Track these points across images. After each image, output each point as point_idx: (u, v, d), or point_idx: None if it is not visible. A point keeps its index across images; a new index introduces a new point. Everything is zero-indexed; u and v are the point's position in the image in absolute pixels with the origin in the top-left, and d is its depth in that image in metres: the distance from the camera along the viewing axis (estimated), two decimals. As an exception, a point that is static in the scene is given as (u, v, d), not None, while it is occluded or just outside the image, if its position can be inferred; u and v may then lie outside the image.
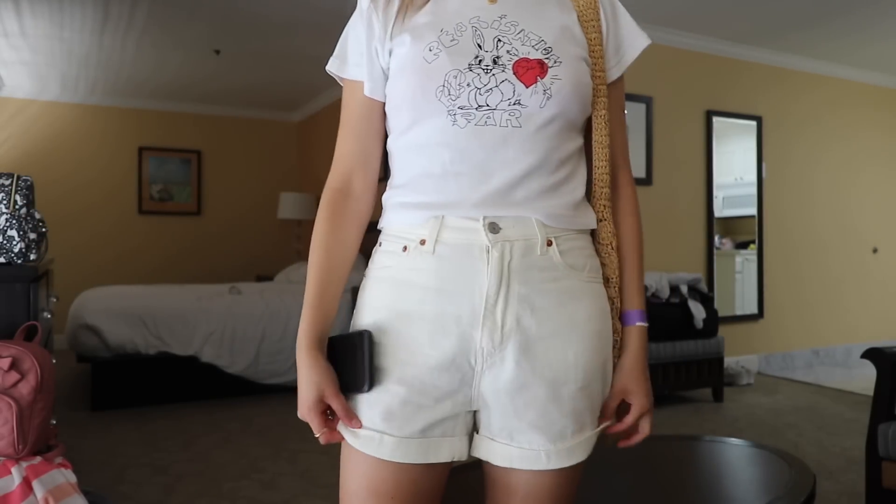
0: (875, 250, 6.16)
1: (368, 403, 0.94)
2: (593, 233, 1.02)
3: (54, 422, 2.00)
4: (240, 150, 7.51)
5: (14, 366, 1.76)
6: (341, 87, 1.05)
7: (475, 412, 0.97)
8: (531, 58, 0.93)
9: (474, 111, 0.92)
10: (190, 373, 4.46)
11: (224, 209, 7.41)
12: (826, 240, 5.87)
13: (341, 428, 0.95)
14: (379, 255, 1.00)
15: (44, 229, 2.18)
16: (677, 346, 4.27)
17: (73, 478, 1.81)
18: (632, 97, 4.85)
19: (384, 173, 1.04)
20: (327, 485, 2.93)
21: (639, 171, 4.93)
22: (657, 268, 4.79)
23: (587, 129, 1.02)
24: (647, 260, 5.04)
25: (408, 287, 0.94)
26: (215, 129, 7.38)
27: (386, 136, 1.03)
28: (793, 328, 5.67)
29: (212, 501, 2.77)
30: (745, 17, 4.73)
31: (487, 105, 0.92)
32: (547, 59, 0.94)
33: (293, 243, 7.53)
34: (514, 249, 0.91)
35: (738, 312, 5.44)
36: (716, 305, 4.78)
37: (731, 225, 5.58)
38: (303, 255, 7.35)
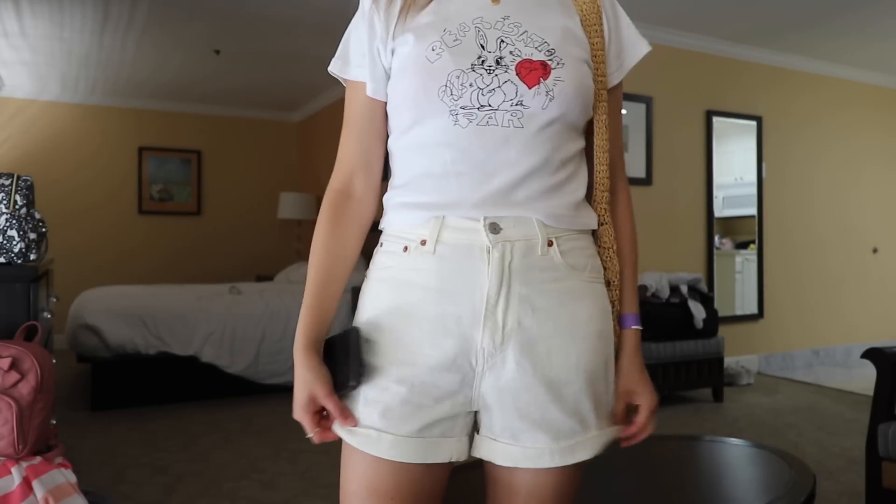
0: (875, 250, 6.16)
1: (367, 402, 0.94)
2: (594, 235, 1.02)
3: (54, 422, 2.00)
4: (240, 150, 7.51)
5: (14, 366, 1.76)
6: (341, 87, 1.05)
7: (475, 413, 0.97)
8: (534, 59, 0.93)
9: (476, 111, 0.92)
10: (190, 373, 4.46)
11: (224, 209, 7.41)
12: (826, 240, 5.87)
13: (337, 428, 0.95)
14: (380, 256, 1.00)
15: (44, 229, 2.18)
16: (677, 346, 4.27)
17: (73, 478, 1.81)
18: (632, 97, 4.85)
19: (386, 173, 1.04)
20: (327, 485, 2.93)
21: (639, 171, 4.93)
22: (657, 268, 4.79)
23: (587, 132, 1.03)
24: (647, 260, 5.06)
25: (408, 287, 0.94)
26: (215, 129, 7.38)
27: (388, 137, 1.03)
28: (793, 328, 5.67)
29: (212, 501, 2.77)
30: (745, 17, 4.72)
31: (490, 105, 0.92)
32: (550, 60, 0.94)
33: (293, 243, 7.53)
34: (515, 250, 0.91)
35: (738, 312, 5.44)
36: (716, 305, 4.79)
37: (731, 225, 5.58)
38: (303, 255, 7.35)
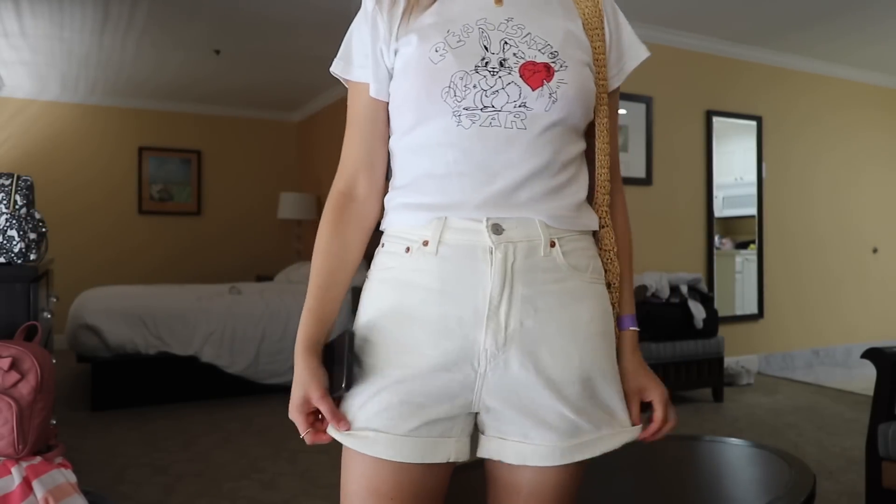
0: (875, 250, 6.16)
1: (367, 403, 0.94)
2: (595, 237, 1.02)
3: (54, 422, 2.00)
4: (240, 150, 7.51)
5: (14, 366, 1.76)
6: (341, 87, 1.05)
7: (476, 414, 0.97)
8: (538, 61, 0.93)
9: (479, 112, 0.92)
10: (190, 373, 4.46)
11: (224, 209, 7.41)
12: (826, 240, 5.87)
13: (332, 431, 0.95)
14: (381, 256, 1.00)
15: (44, 229, 2.18)
16: (677, 346, 4.27)
17: (73, 478, 1.81)
18: (632, 97, 4.86)
19: (388, 174, 1.03)
20: (327, 485, 2.93)
21: (639, 171, 4.93)
22: (657, 268, 4.79)
23: (588, 135, 1.03)
24: (647, 260, 5.05)
25: (410, 288, 0.94)
26: (215, 129, 7.38)
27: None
28: (793, 328, 5.67)
29: (212, 501, 2.77)
30: (745, 17, 4.73)
31: (493, 107, 0.92)
32: (553, 62, 0.94)
33: (293, 243, 7.53)
34: (518, 251, 0.91)
35: (738, 312, 5.44)
36: (716, 305, 4.79)
37: (731, 225, 5.58)
38: (303, 255, 7.35)
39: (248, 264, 7.37)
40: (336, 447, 0.96)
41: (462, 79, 0.92)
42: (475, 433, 1.00)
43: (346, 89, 1.04)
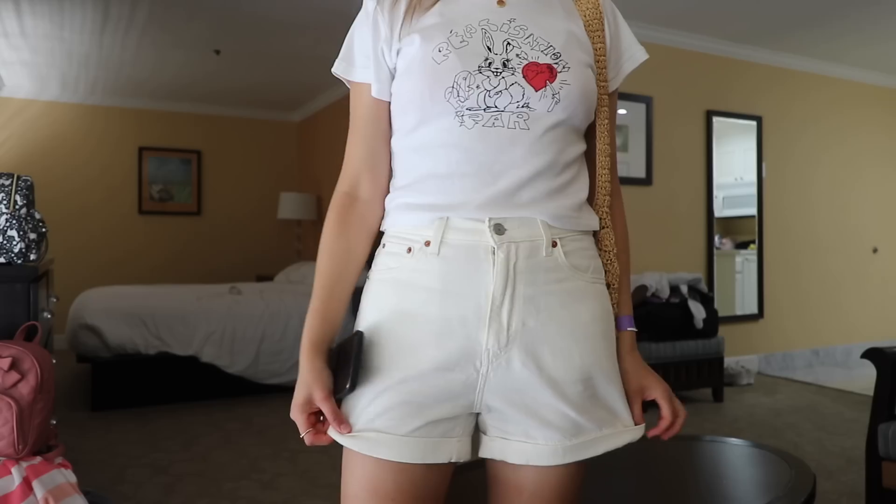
0: (875, 250, 6.16)
1: (369, 404, 0.93)
2: (595, 238, 1.03)
3: (54, 422, 2.00)
4: (240, 150, 7.51)
5: (14, 366, 1.76)
6: (341, 87, 1.06)
7: (478, 414, 0.97)
8: (541, 62, 0.94)
9: (482, 112, 0.92)
10: (190, 373, 4.46)
11: (224, 209, 7.41)
12: (826, 240, 5.87)
13: (333, 433, 0.95)
14: (382, 257, 0.99)
15: (44, 229, 2.18)
16: (677, 346, 4.27)
17: (73, 478, 1.81)
18: (632, 97, 4.86)
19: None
20: (327, 485, 2.93)
21: (639, 171, 4.93)
22: (657, 268, 4.79)
23: (587, 136, 1.03)
24: (647, 260, 5.04)
25: (411, 289, 0.94)
26: (215, 129, 7.38)
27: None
28: (793, 328, 5.67)
29: (212, 501, 2.77)
30: (745, 17, 4.73)
31: (496, 107, 0.92)
32: (556, 63, 0.94)
33: (293, 243, 7.53)
34: (520, 251, 0.92)
35: (738, 312, 5.44)
36: (716, 305, 4.79)
37: (731, 225, 5.58)
38: (303, 255, 7.35)
39: (248, 264, 7.37)
40: (336, 447, 0.96)
41: (465, 79, 0.92)
42: (476, 434, 1.00)
43: (346, 89, 1.04)
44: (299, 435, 0.95)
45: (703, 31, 5.00)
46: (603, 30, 1.03)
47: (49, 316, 2.39)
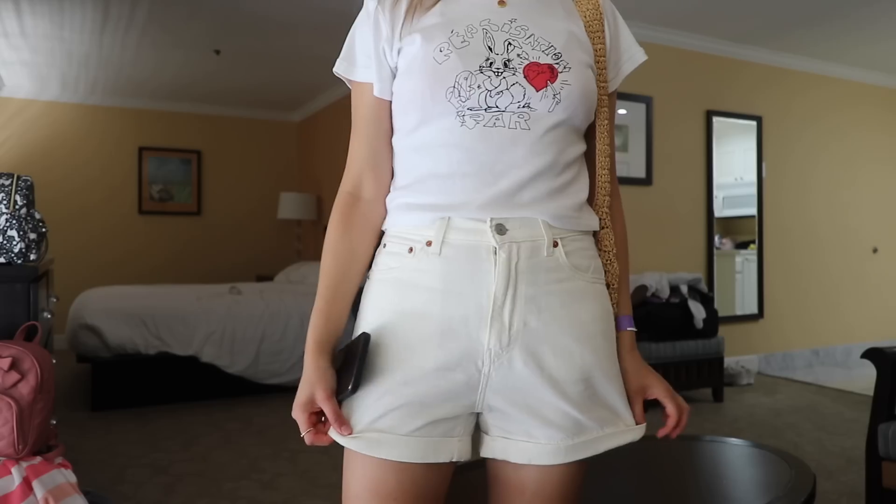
0: (875, 250, 6.16)
1: (369, 403, 0.93)
2: (594, 238, 1.03)
3: (54, 422, 2.00)
4: (240, 150, 7.51)
5: (14, 366, 1.76)
6: (341, 87, 1.06)
7: (479, 414, 0.97)
8: (542, 62, 0.94)
9: (483, 112, 0.92)
10: (190, 373, 4.46)
11: (224, 209, 7.41)
12: (826, 240, 5.87)
13: (333, 433, 0.94)
14: (383, 257, 1.00)
15: (44, 229, 2.18)
16: (677, 346, 4.27)
17: (73, 478, 1.81)
18: (632, 97, 4.86)
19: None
20: (327, 485, 2.93)
21: (639, 171, 4.93)
22: (657, 268, 4.80)
23: (587, 136, 1.03)
24: (647, 260, 5.04)
25: (413, 289, 0.94)
26: (215, 129, 7.38)
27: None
28: (792, 328, 5.67)
29: (212, 501, 2.77)
30: (744, 17, 4.73)
31: (497, 107, 0.92)
32: (557, 64, 0.95)
33: (293, 243, 7.53)
34: (521, 251, 0.92)
35: (738, 312, 5.44)
36: (716, 305, 4.79)
37: (731, 225, 5.58)
38: (303, 255, 7.35)
39: (248, 264, 7.37)
40: (337, 447, 0.96)
41: (467, 79, 0.92)
42: (476, 433, 1.00)
43: (346, 89, 1.04)
44: (300, 435, 0.95)
45: (703, 31, 5.00)
46: (603, 30, 1.03)
47: (49, 316, 2.39)
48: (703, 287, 4.53)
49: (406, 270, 0.95)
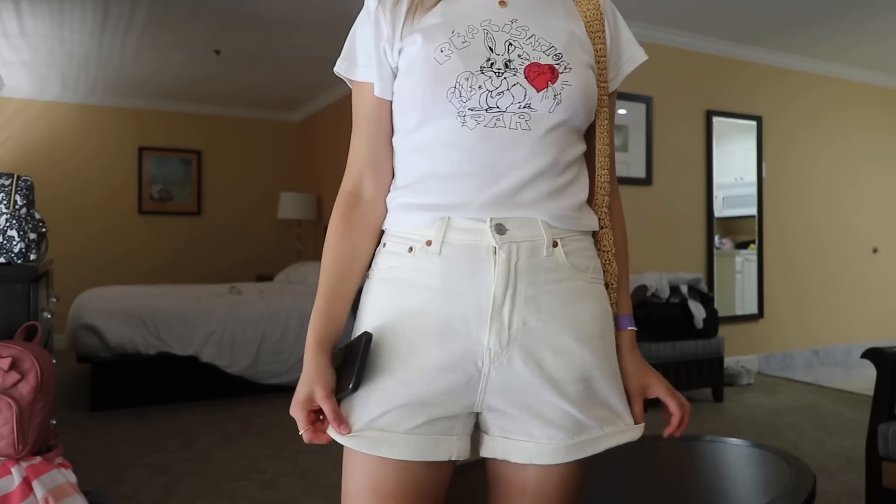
0: (875, 250, 6.16)
1: (368, 402, 0.93)
2: (594, 238, 1.03)
3: (54, 422, 2.00)
4: (240, 150, 7.51)
5: (14, 366, 1.76)
6: (342, 87, 1.06)
7: (478, 414, 0.97)
8: (542, 63, 0.94)
9: (484, 113, 0.92)
10: (190, 373, 4.46)
11: (224, 209, 7.41)
12: (826, 240, 5.87)
13: (332, 432, 0.94)
14: (383, 256, 1.00)
15: (44, 229, 2.18)
16: (677, 346, 4.27)
17: (73, 478, 1.81)
18: (632, 97, 4.86)
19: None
20: (327, 485, 2.93)
21: (639, 171, 4.93)
22: (657, 268, 4.79)
23: (587, 136, 1.03)
24: (647, 260, 5.04)
25: (413, 288, 0.94)
26: (215, 129, 7.38)
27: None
28: (792, 328, 5.67)
29: (212, 501, 2.77)
30: (745, 17, 4.73)
31: (497, 107, 0.92)
32: (558, 64, 0.95)
33: (293, 243, 7.53)
34: (521, 250, 0.92)
35: (738, 312, 5.44)
36: (716, 305, 4.78)
37: (731, 225, 5.58)
38: (303, 255, 7.35)
39: (248, 264, 7.37)
40: (336, 447, 0.96)
41: (468, 79, 0.92)
42: (476, 433, 1.00)
43: (346, 89, 1.05)
44: (299, 433, 0.95)
45: (703, 31, 5.00)
46: (603, 30, 1.03)
47: (49, 316, 2.39)
48: (703, 287, 4.53)
49: (406, 270, 0.95)
